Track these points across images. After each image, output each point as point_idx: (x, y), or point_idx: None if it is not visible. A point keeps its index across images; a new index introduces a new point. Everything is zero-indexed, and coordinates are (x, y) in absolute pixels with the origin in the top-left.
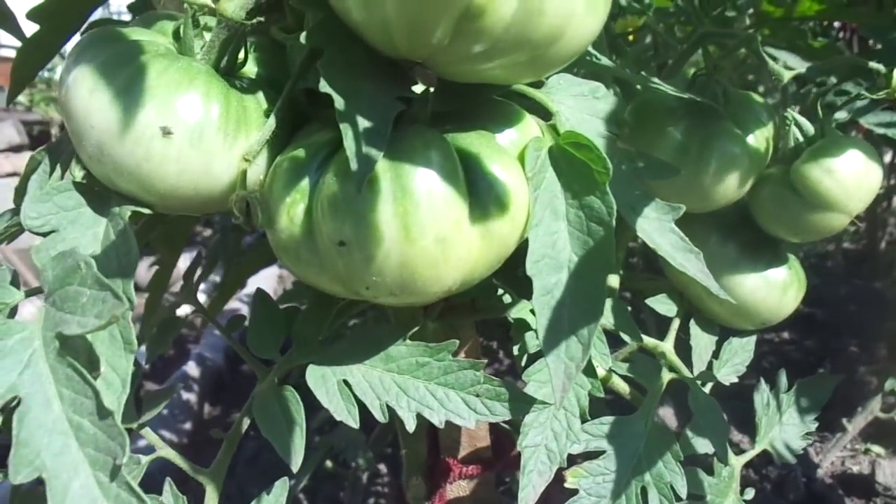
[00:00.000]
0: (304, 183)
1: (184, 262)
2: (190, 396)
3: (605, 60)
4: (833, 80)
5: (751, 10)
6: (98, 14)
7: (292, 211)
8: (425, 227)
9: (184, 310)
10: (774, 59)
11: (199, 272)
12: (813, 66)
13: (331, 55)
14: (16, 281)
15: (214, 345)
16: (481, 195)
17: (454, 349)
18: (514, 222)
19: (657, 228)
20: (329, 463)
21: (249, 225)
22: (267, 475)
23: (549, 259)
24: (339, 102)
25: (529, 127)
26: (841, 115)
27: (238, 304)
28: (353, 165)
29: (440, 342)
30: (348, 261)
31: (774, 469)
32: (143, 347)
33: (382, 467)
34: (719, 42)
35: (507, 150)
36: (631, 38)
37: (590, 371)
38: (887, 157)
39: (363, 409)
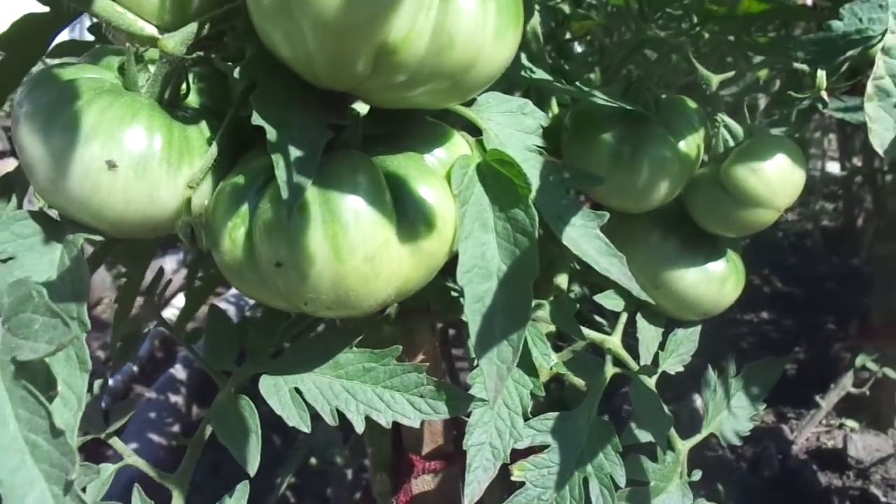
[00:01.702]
0: (244, 208)
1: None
2: (177, 399)
3: (540, 73)
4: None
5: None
6: (64, 36)
7: (234, 234)
8: (354, 248)
9: (172, 312)
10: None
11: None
12: (744, 87)
13: (264, 88)
14: None
15: (202, 346)
16: (409, 215)
17: (398, 354)
18: (442, 238)
19: (583, 235)
20: (314, 460)
21: (195, 248)
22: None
23: (479, 269)
24: (270, 134)
25: (457, 146)
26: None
27: (225, 305)
28: (284, 194)
29: (396, 343)
30: (286, 280)
31: (749, 447)
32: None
33: (368, 462)
34: (656, 48)
35: (434, 171)
36: (588, 38)
37: (531, 370)
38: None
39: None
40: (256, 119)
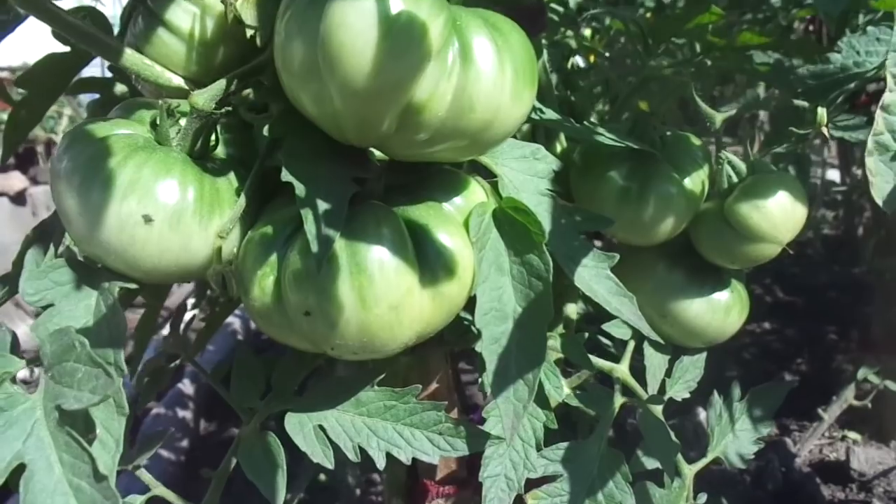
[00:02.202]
0: (273, 257)
1: None
2: (185, 413)
3: (550, 113)
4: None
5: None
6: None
7: (263, 283)
8: (379, 298)
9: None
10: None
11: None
12: (744, 104)
13: (291, 144)
14: (15, 344)
15: (209, 360)
16: (430, 262)
17: (417, 392)
18: (462, 283)
19: (594, 276)
20: (323, 477)
21: (226, 295)
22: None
23: (496, 311)
24: (299, 189)
25: (474, 193)
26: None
27: (231, 318)
28: (314, 247)
29: (411, 374)
30: (313, 327)
31: (753, 460)
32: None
33: (377, 477)
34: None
35: (453, 218)
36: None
37: (544, 403)
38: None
39: None
40: (286, 176)
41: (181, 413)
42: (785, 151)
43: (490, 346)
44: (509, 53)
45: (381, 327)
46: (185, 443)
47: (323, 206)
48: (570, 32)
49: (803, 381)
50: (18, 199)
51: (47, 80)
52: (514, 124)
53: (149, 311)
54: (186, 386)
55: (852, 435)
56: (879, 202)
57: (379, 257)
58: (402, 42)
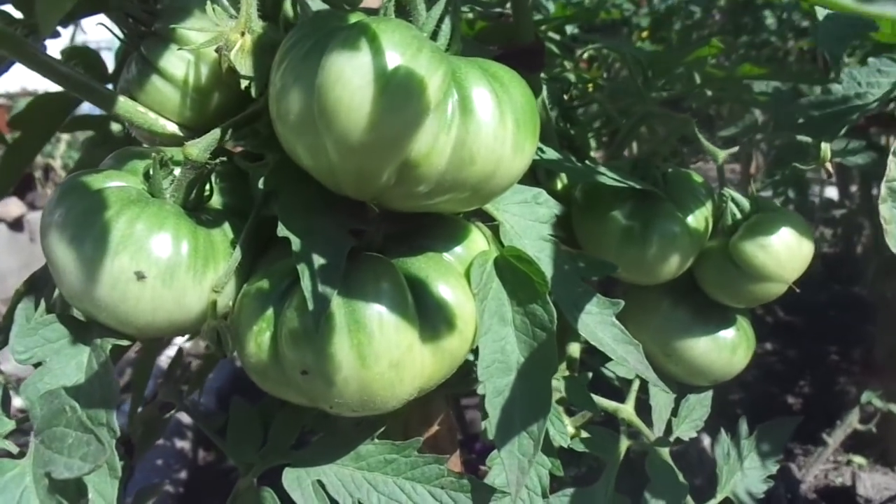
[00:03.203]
0: (269, 312)
1: None
2: (184, 444)
3: (550, 153)
4: None
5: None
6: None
7: (259, 339)
8: (379, 356)
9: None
10: None
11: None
12: (742, 129)
13: (287, 196)
14: (6, 403)
15: (207, 389)
16: (431, 316)
17: (419, 445)
18: (463, 336)
19: (599, 323)
20: None
21: (221, 352)
22: None
23: (499, 363)
24: (295, 244)
25: (475, 241)
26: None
27: None
28: (311, 305)
29: (412, 417)
30: (311, 386)
31: None
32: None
33: None
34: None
35: (453, 269)
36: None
37: (549, 450)
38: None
39: None
40: (282, 230)
41: (179, 444)
42: (784, 177)
43: (493, 399)
44: (510, 104)
45: (382, 386)
46: (183, 474)
47: (319, 261)
48: (567, 64)
49: (806, 403)
50: (16, 225)
51: (41, 120)
52: (515, 175)
53: (146, 351)
54: (184, 416)
55: (858, 459)
56: (895, 250)
57: (378, 314)
58: (401, 98)
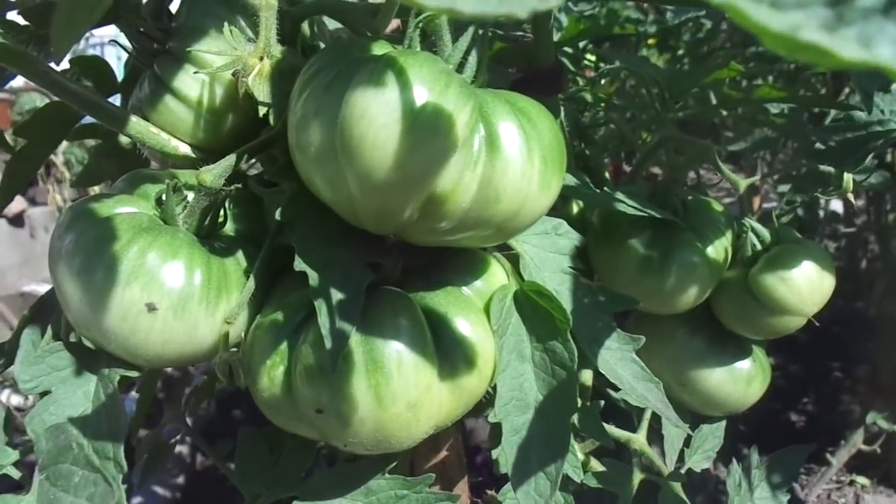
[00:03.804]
0: (283, 346)
1: None
2: (182, 449)
3: (569, 178)
4: None
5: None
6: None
7: (272, 373)
8: (397, 396)
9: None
10: None
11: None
12: (752, 144)
13: (304, 228)
14: (9, 420)
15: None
16: (450, 353)
17: (430, 482)
18: (482, 375)
19: (619, 359)
20: None
21: (233, 385)
22: None
23: (517, 401)
24: (312, 279)
25: (494, 275)
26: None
27: None
28: (328, 343)
29: (421, 443)
30: (325, 424)
31: None
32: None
33: None
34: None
35: (472, 304)
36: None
37: (563, 486)
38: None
39: None
40: (299, 264)
41: (177, 448)
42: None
43: (510, 438)
44: (538, 140)
45: (399, 426)
46: (180, 479)
47: (337, 296)
48: (581, 81)
49: (809, 421)
50: (17, 220)
51: (47, 128)
52: (541, 213)
53: (150, 372)
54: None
55: (861, 480)
56: None
57: (397, 353)
58: (427, 136)
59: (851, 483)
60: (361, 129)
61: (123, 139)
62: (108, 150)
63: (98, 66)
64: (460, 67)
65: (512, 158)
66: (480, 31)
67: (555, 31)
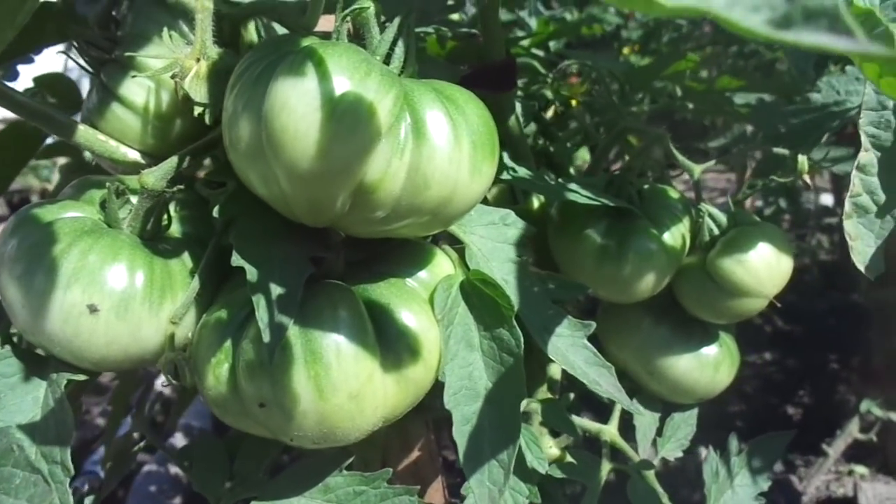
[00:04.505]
0: (228, 343)
1: None
2: (178, 470)
3: (522, 171)
4: None
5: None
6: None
7: (217, 371)
8: (338, 387)
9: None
10: None
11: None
12: (731, 140)
13: (243, 225)
14: None
15: (200, 412)
16: (393, 344)
17: (388, 476)
18: (427, 365)
19: (570, 346)
20: None
21: (180, 384)
22: None
23: (467, 390)
24: (250, 273)
25: (440, 266)
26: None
27: None
28: (265, 336)
29: (391, 443)
30: (269, 419)
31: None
32: None
33: None
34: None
35: (417, 294)
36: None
37: (526, 476)
38: None
39: None
40: (236, 260)
41: (174, 470)
42: (769, 186)
43: (461, 427)
44: (466, 126)
45: (342, 417)
46: (178, 500)
47: (276, 290)
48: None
49: (806, 413)
50: None
51: (13, 149)
52: (474, 199)
53: (122, 384)
54: (178, 440)
55: (859, 469)
56: (861, 267)
57: (336, 344)
58: (349, 124)
59: (850, 473)
60: (283, 120)
61: (87, 155)
62: (74, 166)
63: (60, 83)
64: (387, 59)
65: (439, 145)
66: (407, 24)
67: (524, 33)
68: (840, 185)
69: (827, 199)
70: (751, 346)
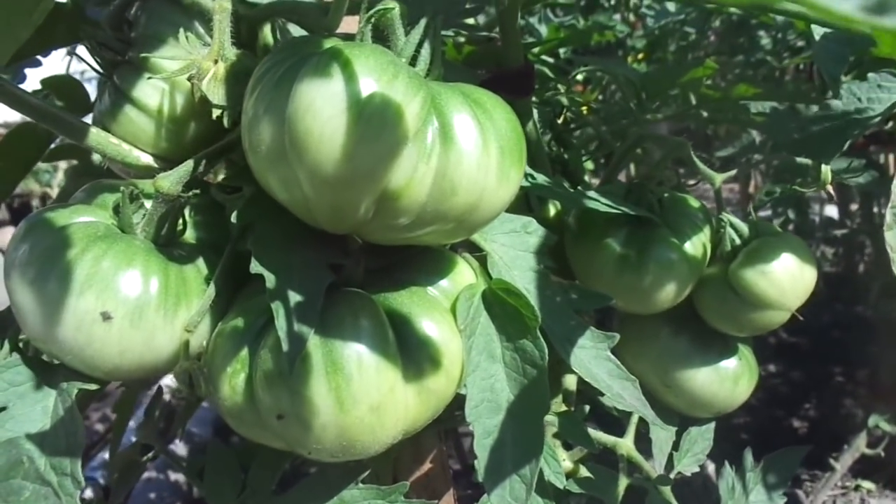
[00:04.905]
0: (244, 352)
1: None
2: (178, 477)
3: (540, 178)
4: None
5: None
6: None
7: (234, 381)
8: (359, 399)
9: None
10: None
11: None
12: (740, 149)
13: (261, 231)
14: None
15: (202, 418)
16: (414, 355)
17: (405, 490)
18: (450, 376)
19: (593, 358)
20: None
21: (194, 394)
22: None
23: (488, 402)
24: (269, 281)
25: (461, 274)
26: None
27: None
28: (285, 346)
29: (403, 455)
30: (288, 431)
31: None
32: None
33: None
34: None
35: (438, 304)
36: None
37: (543, 492)
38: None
39: None
40: (255, 267)
41: (174, 476)
42: (783, 197)
43: (483, 440)
44: (494, 131)
45: (362, 430)
46: None
47: (295, 298)
48: (561, 87)
49: (812, 427)
50: None
51: (21, 150)
52: (501, 205)
53: (127, 392)
54: (179, 447)
55: (866, 485)
56: None
57: (357, 354)
58: (376, 127)
59: (857, 488)
60: (307, 123)
61: (95, 157)
62: (82, 169)
63: (68, 85)
64: (413, 61)
65: (467, 149)
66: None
67: (535, 39)
68: (846, 197)
69: (832, 211)
70: (757, 359)
